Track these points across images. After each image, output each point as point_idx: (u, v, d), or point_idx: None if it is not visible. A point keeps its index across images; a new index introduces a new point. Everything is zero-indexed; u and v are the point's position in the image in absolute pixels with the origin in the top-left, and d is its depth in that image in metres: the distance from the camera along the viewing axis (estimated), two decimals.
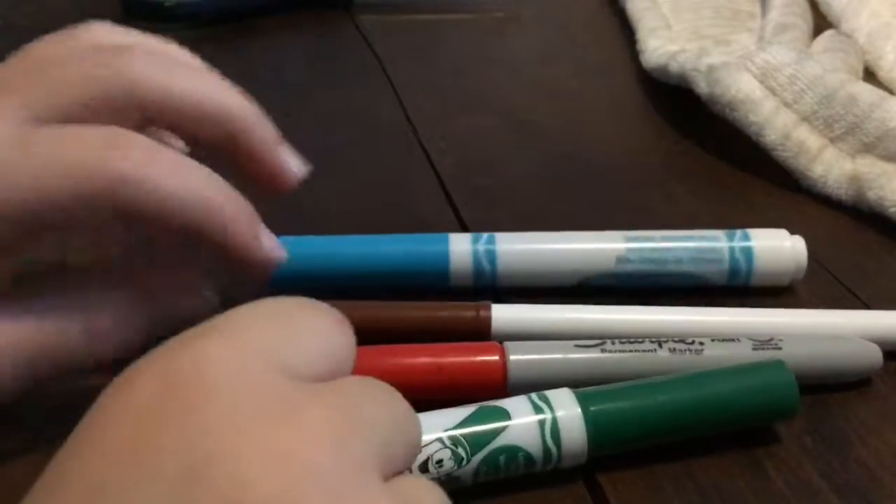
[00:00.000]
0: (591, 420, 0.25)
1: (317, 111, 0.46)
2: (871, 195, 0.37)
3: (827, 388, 0.29)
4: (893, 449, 0.27)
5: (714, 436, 0.27)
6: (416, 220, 0.38)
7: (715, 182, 0.41)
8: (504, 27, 0.56)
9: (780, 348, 0.28)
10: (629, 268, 0.32)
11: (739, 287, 0.33)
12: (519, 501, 0.25)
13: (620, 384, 0.26)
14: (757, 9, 0.53)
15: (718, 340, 0.28)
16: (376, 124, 0.45)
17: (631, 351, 0.28)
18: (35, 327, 0.23)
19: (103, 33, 0.27)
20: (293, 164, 0.27)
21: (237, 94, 0.26)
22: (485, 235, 0.33)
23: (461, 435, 0.24)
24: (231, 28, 0.54)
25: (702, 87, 0.41)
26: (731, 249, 0.32)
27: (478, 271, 0.32)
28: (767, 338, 0.28)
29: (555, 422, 0.25)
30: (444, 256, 0.32)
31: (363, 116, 0.46)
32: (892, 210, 0.36)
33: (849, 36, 0.47)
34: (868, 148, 0.38)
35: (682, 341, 0.28)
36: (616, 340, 0.28)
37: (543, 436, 0.25)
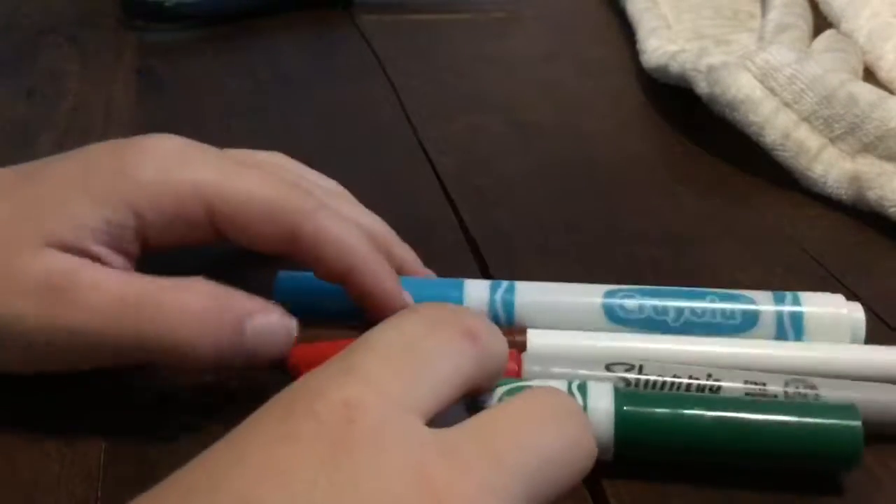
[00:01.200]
0: (621, 417, 0.24)
1: (317, 111, 0.46)
2: (871, 195, 0.37)
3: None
4: (893, 449, 0.27)
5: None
6: (416, 220, 0.38)
7: (715, 182, 0.41)
8: (504, 27, 0.56)
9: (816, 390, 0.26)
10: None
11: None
12: None
13: (664, 392, 0.26)
14: (757, 9, 0.53)
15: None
16: (376, 124, 0.45)
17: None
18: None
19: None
20: (403, 296, 0.28)
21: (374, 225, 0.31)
22: (504, 284, 0.30)
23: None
24: (231, 28, 0.54)
25: (702, 87, 0.41)
26: (779, 317, 0.29)
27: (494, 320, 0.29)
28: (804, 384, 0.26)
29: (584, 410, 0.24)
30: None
31: (363, 116, 0.46)
32: (892, 210, 0.36)
33: (849, 36, 0.47)
34: (868, 148, 0.38)
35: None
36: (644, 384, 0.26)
37: None
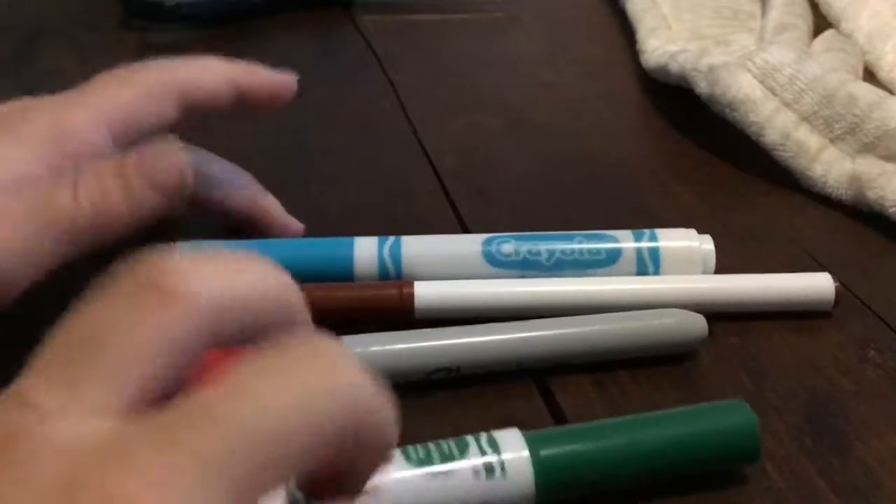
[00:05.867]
0: (539, 463, 0.24)
1: (317, 111, 0.46)
2: (871, 195, 0.37)
3: (824, 388, 0.29)
4: (893, 449, 0.27)
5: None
6: (416, 220, 0.38)
7: (715, 182, 0.41)
8: (504, 27, 0.56)
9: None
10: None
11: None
12: None
13: (571, 426, 0.26)
14: (757, 9, 0.53)
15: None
16: (376, 124, 0.45)
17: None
18: None
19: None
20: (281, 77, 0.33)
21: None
22: (391, 239, 0.33)
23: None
24: (231, 28, 0.54)
25: (702, 87, 0.41)
26: (639, 252, 0.32)
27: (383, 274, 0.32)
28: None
29: (502, 465, 0.24)
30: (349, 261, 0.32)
31: (363, 116, 0.46)
32: (892, 210, 0.36)
33: (849, 36, 0.47)
34: (868, 148, 0.38)
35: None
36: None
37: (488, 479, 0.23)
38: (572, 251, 0.32)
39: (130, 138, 0.29)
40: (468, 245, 0.33)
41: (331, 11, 0.57)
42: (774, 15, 0.48)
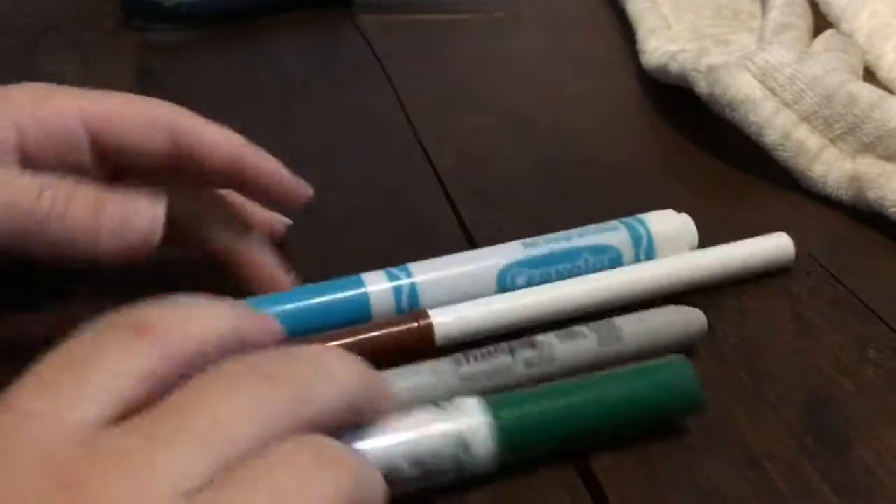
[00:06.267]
0: (500, 428, 0.25)
1: (316, 111, 0.46)
2: (871, 195, 0.37)
3: (824, 388, 0.29)
4: (893, 449, 0.27)
5: (714, 437, 0.27)
6: (416, 220, 0.38)
7: (715, 182, 0.41)
8: (504, 27, 0.56)
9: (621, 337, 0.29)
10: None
11: None
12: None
13: (526, 390, 0.27)
14: (757, 9, 0.53)
15: (562, 339, 0.29)
16: (376, 124, 0.45)
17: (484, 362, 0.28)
18: None
19: None
20: (300, 183, 0.31)
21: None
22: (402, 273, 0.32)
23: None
24: (231, 28, 0.54)
25: (702, 87, 0.41)
26: (637, 247, 0.34)
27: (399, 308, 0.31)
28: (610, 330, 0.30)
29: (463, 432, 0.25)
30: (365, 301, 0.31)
31: (363, 116, 0.46)
32: (892, 210, 0.36)
33: (849, 36, 0.47)
34: (868, 148, 0.38)
35: (532, 346, 0.29)
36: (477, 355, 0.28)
37: (454, 444, 0.25)
38: (579, 269, 0.33)
39: (107, 144, 0.29)
40: (483, 278, 0.32)
41: (331, 11, 0.57)
42: (774, 15, 0.48)
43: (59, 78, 0.31)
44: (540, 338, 0.29)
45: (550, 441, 0.26)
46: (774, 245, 0.35)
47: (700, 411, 0.27)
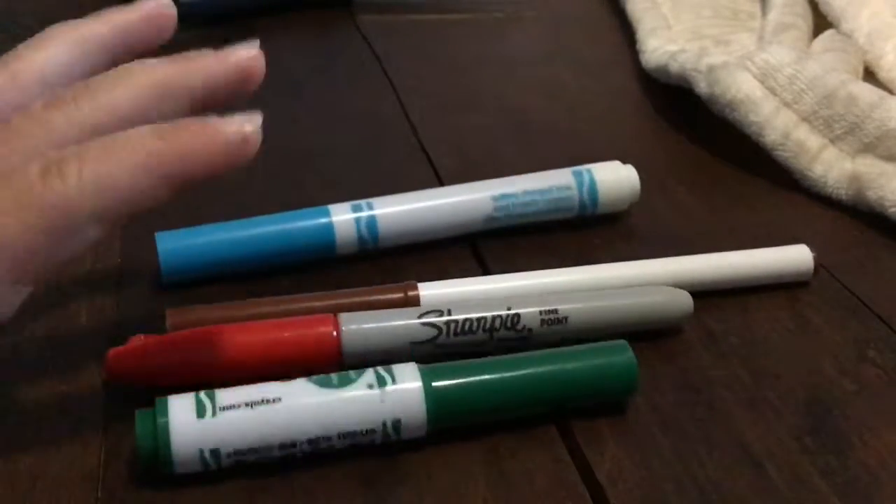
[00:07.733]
0: (431, 394, 0.26)
1: (317, 111, 0.46)
2: (871, 195, 0.37)
3: (824, 388, 0.29)
4: (893, 449, 0.27)
5: (714, 437, 0.27)
6: None
7: (715, 182, 0.41)
8: (504, 27, 0.56)
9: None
10: (496, 224, 0.36)
11: (587, 216, 0.37)
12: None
13: (465, 361, 0.28)
14: (757, 9, 0.53)
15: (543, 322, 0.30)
16: (376, 124, 0.45)
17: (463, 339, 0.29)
18: None
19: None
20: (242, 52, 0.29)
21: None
22: (363, 203, 0.35)
23: None
24: (231, 28, 0.54)
25: (702, 87, 0.41)
26: (580, 189, 0.36)
27: (361, 239, 0.34)
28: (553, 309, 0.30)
29: (394, 394, 0.26)
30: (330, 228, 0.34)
31: (363, 116, 0.46)
32: (892, 210, 0.36)
33: (849, 36, 0.47)
34: (868, 148, 0.38)
35: (514, 328, 0.29)
36: (454, 327, 0.29)
37: (383, 407, 0.26)
38: (533, 205, 0.36)
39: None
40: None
41: (331, 11, 0.57)
42: (774, 15, 0.48)
43: None
44: (522, 322, 0.30)
45: (481, 411, 0.27)
46: (794, 259, 0.34)
47: (634, 392, 0.28)
